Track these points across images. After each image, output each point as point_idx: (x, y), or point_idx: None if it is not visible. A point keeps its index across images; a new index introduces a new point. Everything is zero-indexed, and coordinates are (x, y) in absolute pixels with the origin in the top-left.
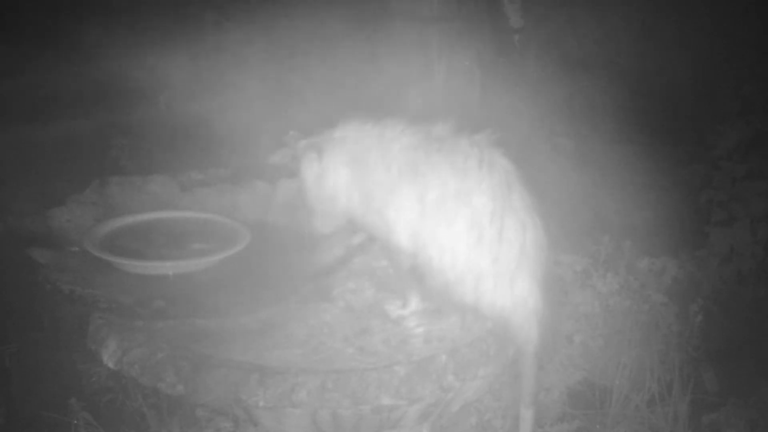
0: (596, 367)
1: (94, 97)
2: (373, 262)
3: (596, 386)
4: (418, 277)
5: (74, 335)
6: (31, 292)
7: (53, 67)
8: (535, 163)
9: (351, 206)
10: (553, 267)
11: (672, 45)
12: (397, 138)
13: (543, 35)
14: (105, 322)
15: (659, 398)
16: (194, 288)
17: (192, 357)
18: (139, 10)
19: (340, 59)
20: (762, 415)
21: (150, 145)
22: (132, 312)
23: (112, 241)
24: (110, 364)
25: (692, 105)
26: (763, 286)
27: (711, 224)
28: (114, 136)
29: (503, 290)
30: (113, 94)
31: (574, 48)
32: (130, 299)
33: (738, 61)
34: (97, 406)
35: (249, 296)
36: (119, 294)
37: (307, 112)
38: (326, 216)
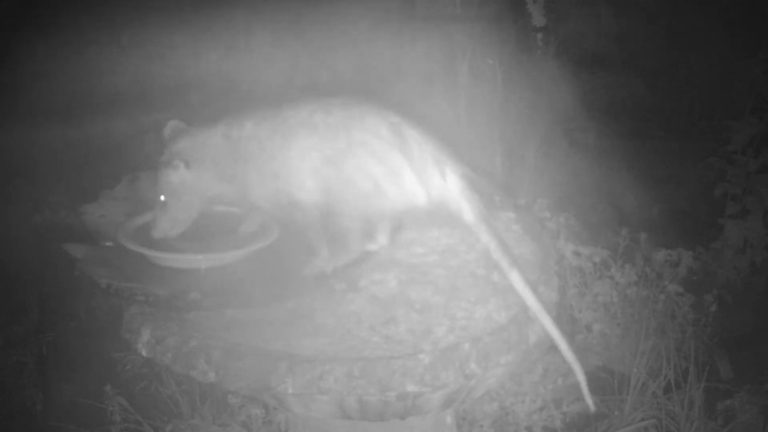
0: (614, 355)
1: (128, 95)
2: (397, 253)
3: (614, 373)
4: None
5: (109, 325)
6: (67, 284)
7: (88, 67)
8: (555, 158)
9: (236, 193)
10: (574, 258)
11: (688, 43)
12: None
13: (563, 33)
14: (139, 312)
15: (675, 385)
16: (225, 279)
17: (223, 345)
18: (169, 12)
19: (366, 58)
20: None
21: None
22: (169, 304)
23: (143, 234)
24: (144, 353)
25: (707, 101)
26: None
27: (725, 217)
28: (147, 133)
29: (426, 182)
30: (147, 92)
31: (593, 45)
32: (166, 291)
33: (751, 59)
34: (132, 393)
35: (277, 287)
36: (155, 287)
37: None
38: (180, 219)
